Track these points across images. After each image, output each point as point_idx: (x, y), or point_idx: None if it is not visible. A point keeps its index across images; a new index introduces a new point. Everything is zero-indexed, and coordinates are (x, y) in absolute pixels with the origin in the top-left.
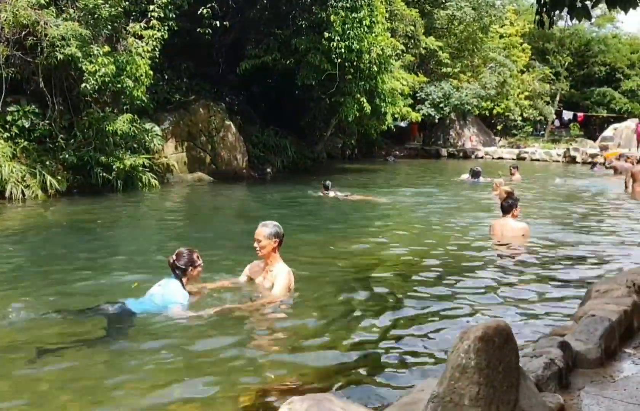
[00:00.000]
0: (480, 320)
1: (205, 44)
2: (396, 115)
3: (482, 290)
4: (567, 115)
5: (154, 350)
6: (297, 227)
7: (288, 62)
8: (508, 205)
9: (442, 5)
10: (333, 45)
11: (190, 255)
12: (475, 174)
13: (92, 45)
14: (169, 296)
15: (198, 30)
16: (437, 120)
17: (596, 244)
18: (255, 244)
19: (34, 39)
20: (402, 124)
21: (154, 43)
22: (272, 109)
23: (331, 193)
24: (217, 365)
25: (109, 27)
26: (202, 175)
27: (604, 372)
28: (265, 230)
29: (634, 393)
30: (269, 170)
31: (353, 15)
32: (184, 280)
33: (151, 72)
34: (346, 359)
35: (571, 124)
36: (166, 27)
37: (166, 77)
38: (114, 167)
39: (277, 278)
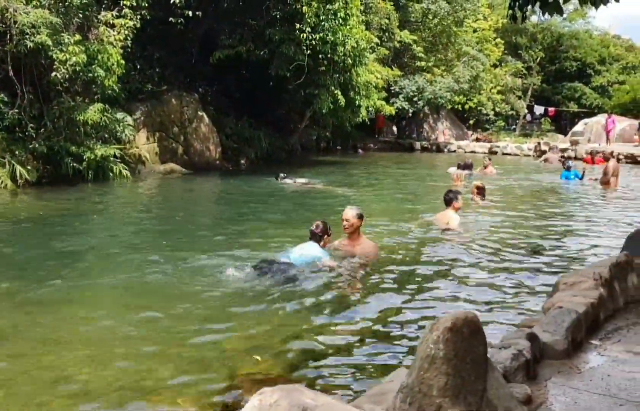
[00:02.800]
0: (449, 312)
1: (178, 34)
2: (370, 108)
3: (452, 282)
4: (539, 109)
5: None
6: (267, 217)
7: (262, 52)
8: (449, 198)
9: None
10: (303, 36)
11: (325, 225)
12: (466, 167)
13: (62, 34)
14: (314, 253)
15: (171, 19)
16: (410, 114)
17: (566, 237)
18: (344, 223)
19: (3, 26)
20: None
21: (126, 32)
22: (246, 100)
23: (289, 181)
24: (188, 356)
25: (80, 15)
26: (174, 166)
27: (571, 363)
28: (353, 211)
29: (599, 383)
30: (242, 161)
31: (327, 7)
32: (321, 244)
33: (123, 62)
34: (317, 350)
35: (542, 119)
36: (138, 16)
37: (138, 66)
38: (84, 157)
39: (365, 247)
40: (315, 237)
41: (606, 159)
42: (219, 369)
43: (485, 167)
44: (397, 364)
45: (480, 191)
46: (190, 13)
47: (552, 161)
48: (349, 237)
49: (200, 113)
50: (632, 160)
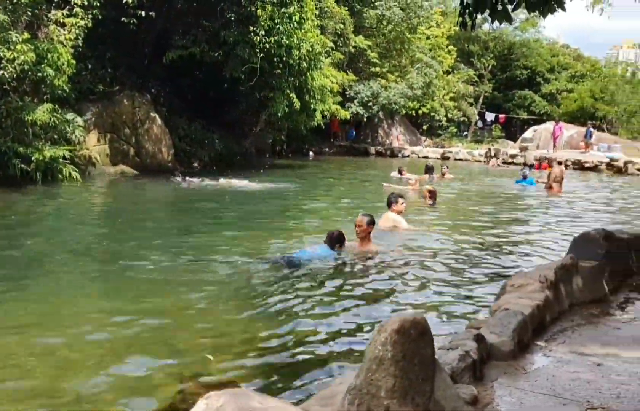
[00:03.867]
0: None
1: (131, 34)
2: (325, 113)
3: (401, 285)
4: (490, 116)
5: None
6: (216, 221)
7: (216, 54)
8: (389, 201)
9: (371, 5)
10: (257, 39)
11: (341, 234)
12: (429, 170)
13: (10, 32)
14: (323, 252)
15: (123, 19)
16: (365, 119)
17: (513, 240)
18: (357, 228)
19: None
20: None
21: (77, 31)
22: (200, 102)
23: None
24: (136, 361)
25: (29, 13)
26: (125, 168)
27: (517, 364)
28: (366, 218)
29: (544, 384)
30: (195, 164)
31: (282, 10)
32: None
33: (73, 61)
34: (266, 354)
35: (493, 125)
36: (90, 16)
37: (89, 66)
38: (33, 158)
39: (372, 249)
40: (331, 242)
41: (550, 165)
42: (170, 372)
43: (443, 174)
44: (347, 366)
45: (432, 195)
46: (143, 13)
47: (492, 165)
48: (360, 240)
49: (152, 114)
50: (579, 166)
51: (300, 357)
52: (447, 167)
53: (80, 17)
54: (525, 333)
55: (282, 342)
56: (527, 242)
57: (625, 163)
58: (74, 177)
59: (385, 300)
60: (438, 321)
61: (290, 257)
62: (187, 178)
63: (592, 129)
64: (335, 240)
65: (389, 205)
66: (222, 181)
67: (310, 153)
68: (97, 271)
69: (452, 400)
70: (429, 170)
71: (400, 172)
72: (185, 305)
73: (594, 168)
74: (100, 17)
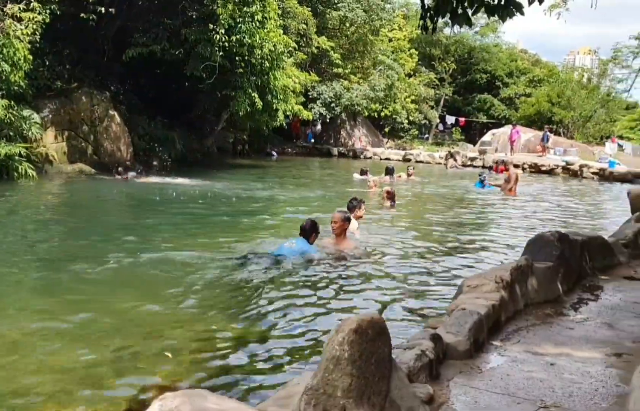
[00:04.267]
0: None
1: (90, 31)
2: (287, 113)
3: (360, 286)
4: (450, 119)
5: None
6: (170, 220)
7: (177, 52)
8: (352, 206)
9: (334, 6)
10: (218, 37)
11: (314, 223)
12: (389, 171)
13: None
14: (302, 247)
15: (82, 15)
16: (328, 120)
17: (471, 241)
18: (332, 225)
19: None
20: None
21: (34, 26)
22: (160, 100)
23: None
24: (89, 362)
25: None
26: (83, 166)
27: (472, 363)
28: (341, 214)
29: (499, 383)
30: (155, 163)
31: (245, 9)
32: (309, 240)
33: (30, 57)
34: (225, 355)
35: (454, 128)
36: (48, 11)
37: (47, 62)
38: None
39: (348, 246)
40: (305, 233)
41: (507, 168)
42: (126, 373)
43: (409, 175)
44: (306, 367)
45: (391, 196)
46: (102, 9)
47: (450, 166)
48: (335, 237)
49: (111, 112)
50: (536, 169)
51: (259, 357)
52: (413, 168)
53: (37, 12)
54: (481, 332)
55: (241, 342)
56: (485, 243)
57: (581, 166)
58: (31, 175)
59: (346, 300)
60: (397, 321)
61: (273, 253)
62: (130, 174)
63: (548, 133)
64: (310, 231)
65: (352, 210)
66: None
67: (274, 153)
68: (43, 270)
69: (408, 399)
70: (389, 171)
71: (363, 173)
72: (139, 304)
73: (551, 172)
74: (58, 12)
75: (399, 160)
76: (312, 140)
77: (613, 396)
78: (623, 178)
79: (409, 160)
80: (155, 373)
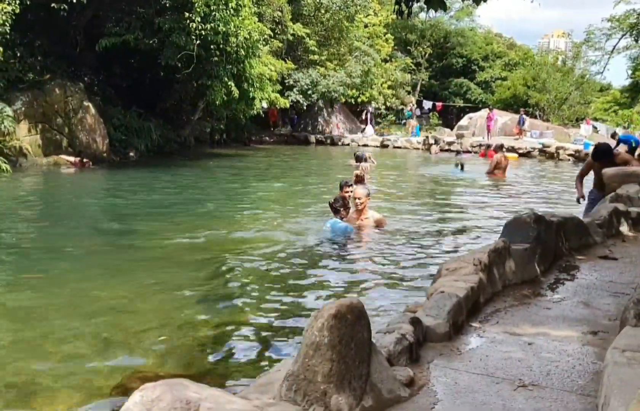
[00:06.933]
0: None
1: (62, 21)
2: (264, 101)
3: (341, 272)
4: (427, 104)
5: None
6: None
7: (151, 41)
8: (335, 209)
9: None
10: (193, 26)
11: (344, 200)
12: (358, 159)
13: None
14: (341, 225)
15: (53, 5)
16: (305, 107)
17: (452, 225)
18: (357, 201)
19: None
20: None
21: (4, 17)
22: (135, 90)
23: None
24: (70, 354)
25: None
26: (58, 158)
27: (452, 345)
28: (364, 190)
29: (478, 364)
30: (131, 154)
31: None
32: (338, 216)
33: (0, 49)
34: (205, 343)
35: (431, 113)
36: (17, 1)
37: (18, 54)
38: None
39: (375, 218)
40: (333, 210)
41: (494, 152)
42: (107, 364)
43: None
44: (288, 353)
45: (360, 180)
46: None
47: (434, 152)
48: (358, 212)
49: (85, 103)
50: (513, 152)
51: (241, 345)
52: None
53: (7, 2)
54: (460, 315)
55: (223, 331)
56: (465, 226)
57: (557, 149)
58: (4, 169)
59: (320, 288)
60: (376, 306)
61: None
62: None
63: (524, 116)
64: (340, 207)
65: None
66: None
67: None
68: (18, 263)
69: (388, 382)
70: (358, 159)
71: (359, 159)
72: (120, 295)
73: (527, 154)
74: (28, 2)
75: (377, 146)
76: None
77: (589, 373)
78: None
79: (387, 146)
80: (137, 363)
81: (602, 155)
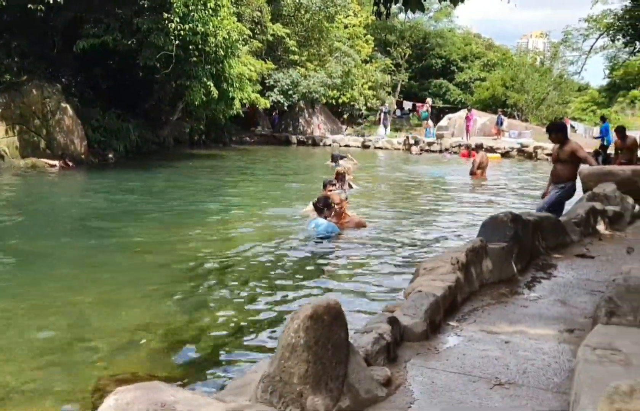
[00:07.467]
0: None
1: (39, 22)
2: (244, 101)
3: (321, 272)
4: (407, 105)
5: None
6: (133, 215)
7: (130, 42)
8: (319, 209)
9: None
10: (172, 26)
11: (326, 199)
12: (335, 159)
13: None
14: (325, 225)
15: (30, 6)
16: (286, 108)
17: (433, 224)
18: (335, 206)
19: None
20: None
21: None
22: (114, 91)
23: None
24: (47, 358)
25: None
26: (36, 160)
27: (429, 344)
28: (339, 195)
29: (455, 362)
30: (110, 155)
31: None
32: (322, 216)
33: None
34: (180, 346)
35: (411, 114)
36: None
37: None
38: None
39: (355, 219)
40: (317, 210)
41: (476, 152)
42: (82, 367)
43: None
44: (265, 355)
45: (341, 178)
46: (51, 0)
47: (415, 152)
48: (337, 215)
49: (63, 104)
50: (492, 152)
51: (218, 347)
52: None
53: None
54: (437, 314)
55: (200, 332)
56: (444, 226)
57: (535, 148)
58: None
59: (299, 290)
60: (355, 307)
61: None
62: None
63: (502, 116)
64: (323, 206)
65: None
66: None
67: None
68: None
69: (366, 382)
70: (334, 159)
71: (335, 159)
72: (94, 297)
73: (506, 154)
74: (4, 3)
75: (358, 147)
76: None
77: (565, 371)
78: None
79: (368, 146)
80: (112, 366)
81: (555, 129)
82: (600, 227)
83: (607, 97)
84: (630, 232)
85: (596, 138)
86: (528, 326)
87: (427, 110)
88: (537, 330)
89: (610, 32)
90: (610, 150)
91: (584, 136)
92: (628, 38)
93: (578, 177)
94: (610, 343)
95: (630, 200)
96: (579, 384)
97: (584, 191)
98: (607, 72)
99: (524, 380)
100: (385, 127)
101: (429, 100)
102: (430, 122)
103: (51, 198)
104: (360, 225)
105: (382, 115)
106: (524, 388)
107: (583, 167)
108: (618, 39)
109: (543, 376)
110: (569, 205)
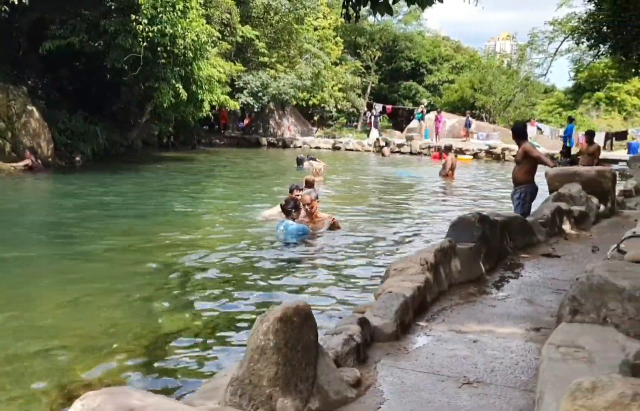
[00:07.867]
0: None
1: (4, 23)
2: (214, 103)
3: (291, 274)
4: (378, 107)
5: None
6: (102, 219)
7: (97, 44)
8: (287, 211)
9: None
10: (140, 28)
11: (294, 201)
12: (299, 161)
13: None
14: (295, 226)
15: None
16: (256, 109)
17: (402, 225)
18: (306, 207)
19: None
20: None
21: None
22: (81, 94)
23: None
24: (11, 364)
25: None
26: (1, 164)
27: (399, 345)
28: (310, 194)
29: (425, 362)
30: (77, 158)
31: None
32: (290, 217)
33: None
34: (149, 350)
35: (381, 116)
36: None
37: None
38: None
39: (327, 220)
40: (285, 212)
41: (447, 154)
42: (49, 372)
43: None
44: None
45: (310, 185)
46: (15, 0)
47: (387, 154)
48: (309, 215)
49: (29, 107)
50: (462, 154)
51: (186, 351)
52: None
53: None
54: (407, 314)
55: (168, 336)
56: (415, 227)
57: (503, 150)
58: None
59: (268, 292)
60: (326, 308)
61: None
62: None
63: (471, 118)
64: (291, 208)
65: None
66: None
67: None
68: None
69: (335, 383)
70: (300, 162)
71: (300, 162)
72: (62, 302)
73: (474, 156)
74: None
75: (328, 149)
76: (242, 126)
77: (532, 369)
78: None
79: (339, 148)
80: (80, 371)
81: (513, 132)
82: (566, 226)
83: (572, 99)
84: (595, 232)
85: (560, 137)
86: (496, 325)
87: (422, 112)
88: (505, 329)
89: (575, 35)
90: (575, 151)
91: (550, 138)
92: (592, 41)
93: (544, 178)
94: (573, 341)
95: (595, 200)
96: (543, 382)
97: (550, 192)
98: (572, 74)
99: (492, 379)
100: (377, 129)
101: (424, 101)
102: (424, 124)
103: (16, 202)
104: (333, 226)
105: (373, 118)
106: (491, 387)
107: (549, 169)
108: (582, 42)
109: (511, 374)
110: (534, 206)
